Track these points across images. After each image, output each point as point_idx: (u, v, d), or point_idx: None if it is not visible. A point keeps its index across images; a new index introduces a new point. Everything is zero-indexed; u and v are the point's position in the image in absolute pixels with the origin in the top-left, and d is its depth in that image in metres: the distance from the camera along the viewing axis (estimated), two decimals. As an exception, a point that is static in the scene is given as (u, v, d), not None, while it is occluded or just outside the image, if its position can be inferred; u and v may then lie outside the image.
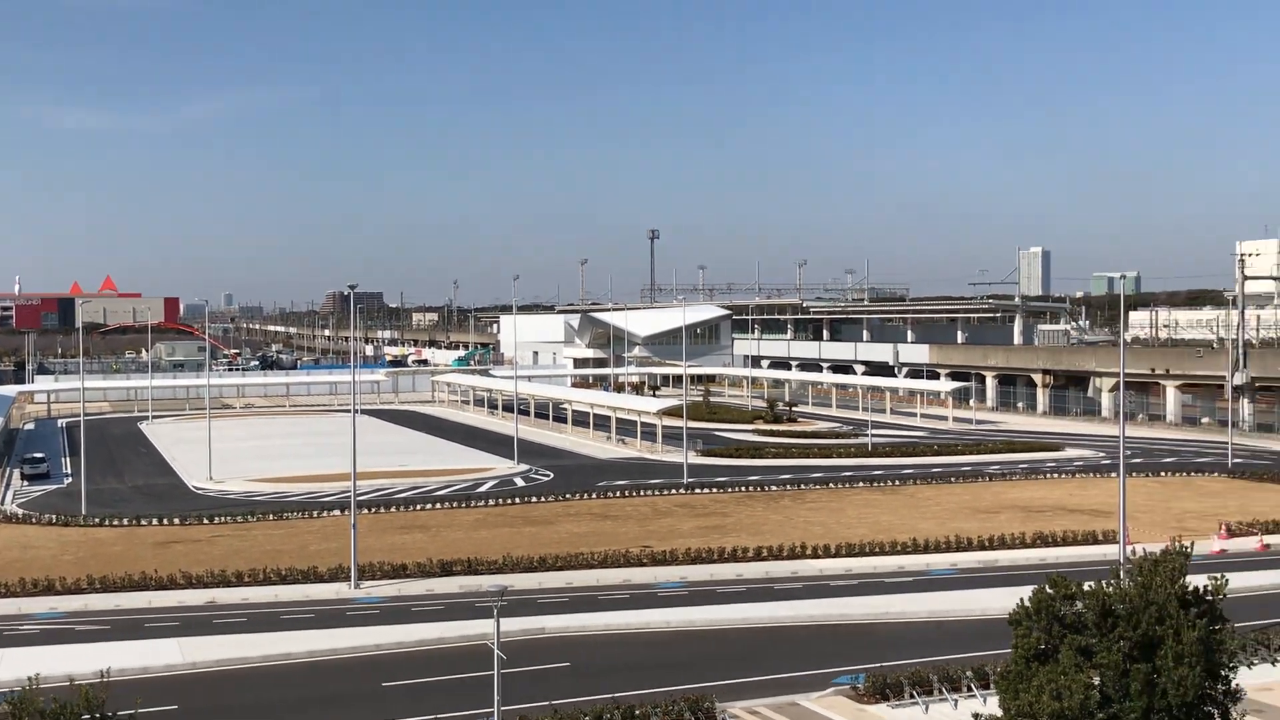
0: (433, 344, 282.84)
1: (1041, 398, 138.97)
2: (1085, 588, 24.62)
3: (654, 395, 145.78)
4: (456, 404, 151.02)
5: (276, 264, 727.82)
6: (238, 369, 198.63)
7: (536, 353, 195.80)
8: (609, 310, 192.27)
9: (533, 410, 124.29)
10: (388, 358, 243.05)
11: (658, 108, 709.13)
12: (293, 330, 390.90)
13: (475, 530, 62.35)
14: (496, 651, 28.35)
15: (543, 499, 72.58)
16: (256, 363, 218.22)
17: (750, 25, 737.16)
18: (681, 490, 76.06)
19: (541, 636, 41.86)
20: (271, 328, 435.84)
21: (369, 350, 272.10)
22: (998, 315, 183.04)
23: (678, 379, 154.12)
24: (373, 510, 68.03)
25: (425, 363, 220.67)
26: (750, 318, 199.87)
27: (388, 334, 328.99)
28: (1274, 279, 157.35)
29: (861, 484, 78.89)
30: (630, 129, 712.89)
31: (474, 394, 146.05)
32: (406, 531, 62.15)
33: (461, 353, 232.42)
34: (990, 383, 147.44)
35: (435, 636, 41.65)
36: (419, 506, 70.30)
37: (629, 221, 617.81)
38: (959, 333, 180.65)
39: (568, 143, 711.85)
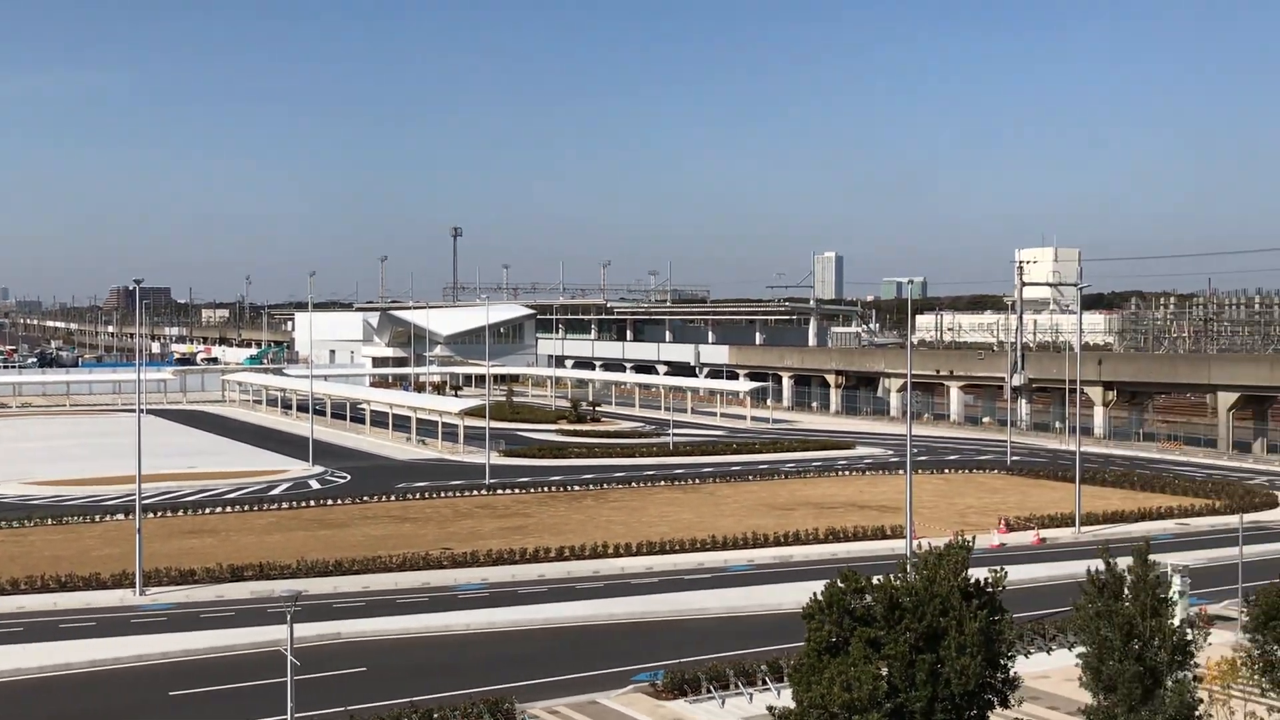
0: (224, 342, 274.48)
1: (834, 397, 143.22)
2: (874, 581, 25.40)
3: (456, 395, 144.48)
4: (249, 404, 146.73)
5: (57, 257, 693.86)
6: (14, 366, 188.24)
7: (334, 351, 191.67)
8: (410, 308, 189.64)
9: (329, 411, 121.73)
10: (175, 356, 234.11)
11: (461, 102, 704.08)
12: (74, 326, 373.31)
13: (268, 534, 60.64)
14: (290, 658, 27.65)
15: (339, 501, 71.08)
16: (35, 360, 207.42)
17: (555, 21, 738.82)
18: (483, 491, 75.54)
19: (337, 641, 40.97)
20: (51, 323, 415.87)
21: (155, 348, 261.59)
22: (794, 317, 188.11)
23: (481, 379, 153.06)
24: (159, 514, 65.41)
25: (215, 361, 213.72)
26: (555, 317, 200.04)
27: (176, 331, 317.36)
28: (1050, 285, 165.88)
29: (663, 483, 79.83)
30: (433, 123, 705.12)
31: (267, 394, 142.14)
32: (195, 536, 59.99)
33: (254, 351, 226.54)
34: (787, 383, 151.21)
35: (226, 644, 40.28)
36: (208, 510, 67.92)
37: (431, 218, 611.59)
38: (757, 334, 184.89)
39: (367, 135, 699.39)
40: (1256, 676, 27.70)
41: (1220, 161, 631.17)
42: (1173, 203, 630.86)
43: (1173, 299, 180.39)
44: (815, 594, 25.48)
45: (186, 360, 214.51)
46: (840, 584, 25.21)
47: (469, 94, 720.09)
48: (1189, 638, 25.73)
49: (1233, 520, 59.77)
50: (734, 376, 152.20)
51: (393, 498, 72.39)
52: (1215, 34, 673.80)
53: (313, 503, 70.59)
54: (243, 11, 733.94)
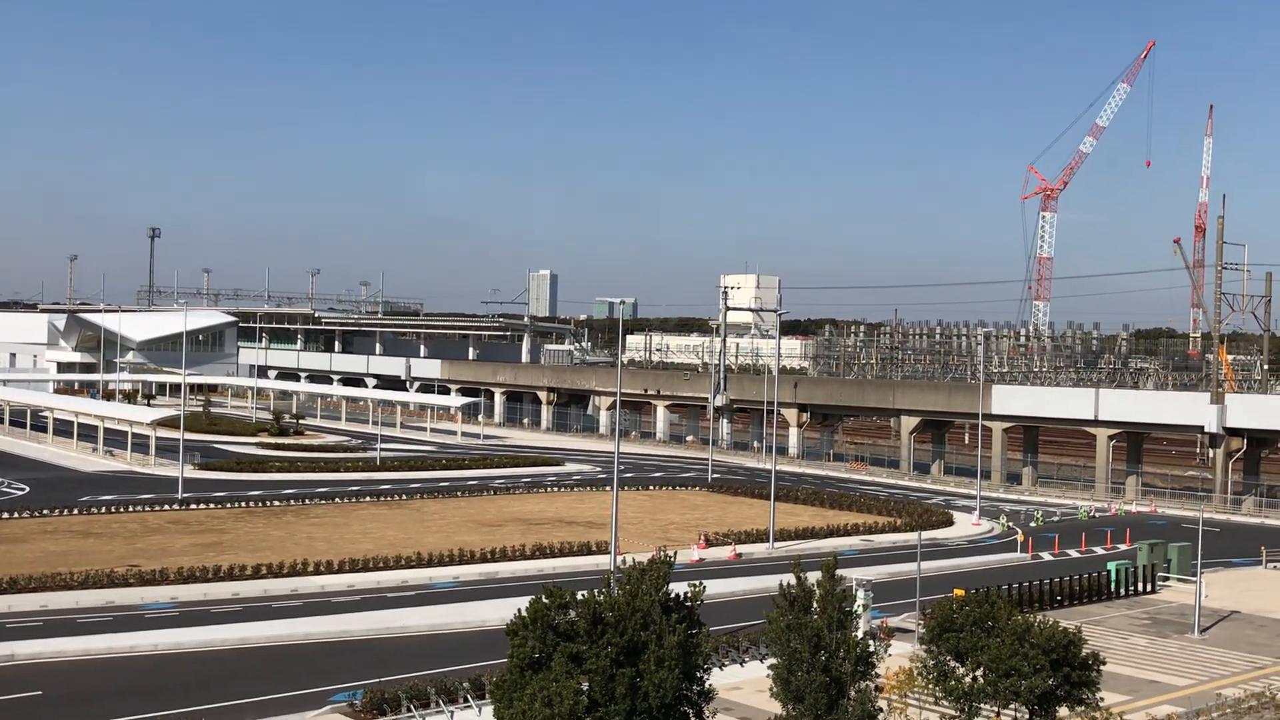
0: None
1: (546, 414, 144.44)
2: (579, 597, 25.72)
3: (149, 404, 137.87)
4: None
5: None
6: None
7: (14, 355, 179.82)
8: (101, 311, 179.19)
9: (8, 418, 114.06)
10: None
11: (163, 95, 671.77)
12: None
13: (-68, 550, 56.02)
14: (-47, 685, 25.64)
15: (16, 514, 66.54)
16: None
17: (274, 18, 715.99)
18: (175, 506, 72.20)
19: (11, 664, 38.27)
20: None
21: None
22: (508, 334, 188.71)
23: (176, 388, 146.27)
24: None
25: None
26: (258, 326, 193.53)
27: None
28: (752, 310, 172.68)
29: (368, 499, 78.38)
30: (127, 114, 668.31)
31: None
32: None
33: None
34: (499, 399, 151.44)
35: (-123, 671, 36.92)
36: None
37: (127, 217, 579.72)
38: (471, 349, 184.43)
39: (57, 123, 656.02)
40: (931, 685, 29.51)
41: (910, 202, 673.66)
42: (865, 237, 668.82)
43: (863, 327, 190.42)
44: (520, 610, 25.59)
45: None
46: (545, 599, 25.40)
47: (173, 85, 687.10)
48: (871, 649, 27.22)
49: (912, 537, 63.70)
50: (446, 391, 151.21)
51: (76, 511, 68.27)
52: (912, 82, 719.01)
53: (-16, 517, 65.69)
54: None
